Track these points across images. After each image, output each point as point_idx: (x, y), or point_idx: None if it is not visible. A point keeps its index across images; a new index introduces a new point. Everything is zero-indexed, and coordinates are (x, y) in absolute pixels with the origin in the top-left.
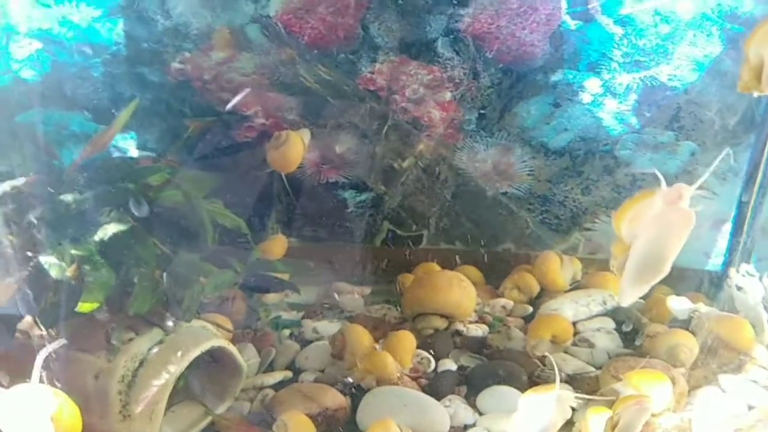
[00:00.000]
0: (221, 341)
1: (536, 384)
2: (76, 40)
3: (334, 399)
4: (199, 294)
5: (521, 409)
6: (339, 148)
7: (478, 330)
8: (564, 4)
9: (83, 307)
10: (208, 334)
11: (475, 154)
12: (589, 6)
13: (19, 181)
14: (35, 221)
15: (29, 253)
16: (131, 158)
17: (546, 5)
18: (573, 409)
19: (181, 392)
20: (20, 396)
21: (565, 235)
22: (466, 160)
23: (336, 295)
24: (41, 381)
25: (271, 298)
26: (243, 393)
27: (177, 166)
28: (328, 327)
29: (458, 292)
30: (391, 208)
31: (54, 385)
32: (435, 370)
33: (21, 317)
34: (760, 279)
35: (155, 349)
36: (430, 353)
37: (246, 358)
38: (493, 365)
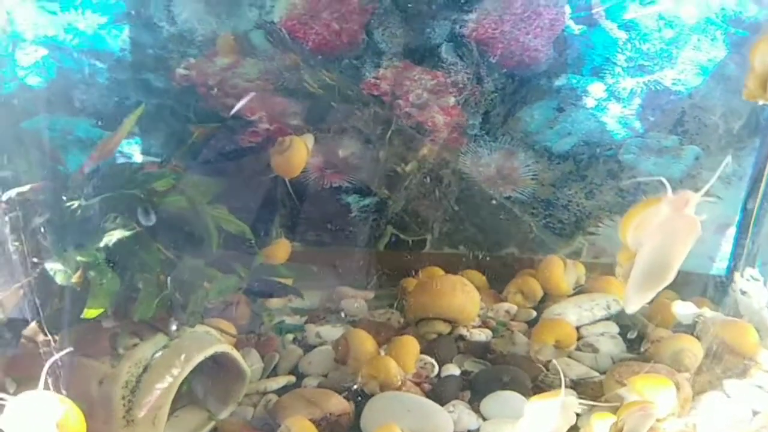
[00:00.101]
0: (225, 346)
1: (540, 389)
2: (82, 47)
3: (338, 404)
4: (204, 299)
5: (526, 416)
6: (343, 152)
7: (482, 335)
8: (568, 9)
9: (89, 313)
10: (211, 340)
11: (478, 159)
12: (593, 11)
13: (25, 188)
14: (41, 227)
15: (35, 260)
16: (136, 164)
17: (550, 10)
18: (577, 415)
19: (184, 397)
20: (27, 403)
21: (568, 240)
22: (469, 165)
23: (339, 300)
24: (47, 387)
25: (275, 302)
26: (246, 398)
27: (182, 172)
28: (331, 332)
29: (462, 296)
30: (394, 213)
31: (59, 391)
32: (438, 375)
33: (26, 323)
34: (765, 283)
35: (159, 355)
36: (434, 358)
37: (249, 363)
38: (496, 370)
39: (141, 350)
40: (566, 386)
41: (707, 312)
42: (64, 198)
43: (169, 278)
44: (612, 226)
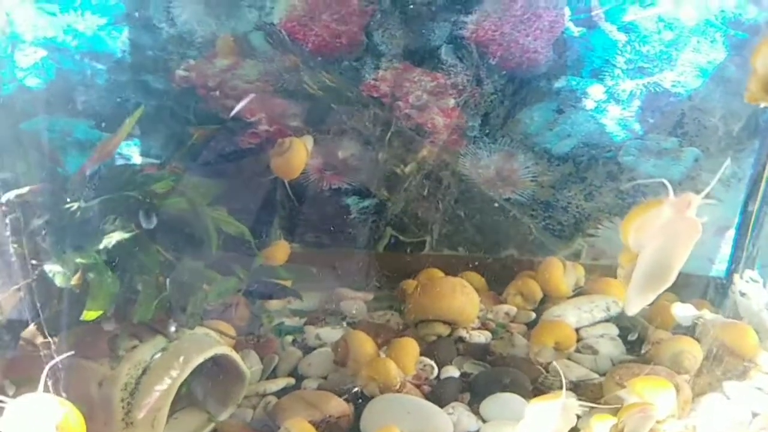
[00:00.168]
0: (224, 348)
1: (540, 391)
2: (81, 49)
3: (338, 406)
4: (203, 301)
5: (527, 417)
6: (342, 154)
7: (481, 336)
8: (567, 11)
9: (88, 315)
10: (211, 341)
11: (478, 161)
12: (593, 13)
13: (24, 190)
14: (40, 229)
15: (34, 262)
16: (136, 166)
17: (549, 12)
18: (577, 417)
19: (184, 399)
20: (26, 406)
21: (568, 241)
22: (469, 167)
23: (339, 302)
24: (46, 389)
25: (274, 304)
26: (246, 400)
27: (181, 173)
28: (330, 333)
29: (461, 298)
30: (394, 215)
31: (58, 393)
32: (438, 377)
33: (25, 325)
34: (764, 285)
35: (158, 357)
36: (434, 360)
37: (249, 364)
38: (496, 372)
39: (140, 352)
40: (566, 388)
41: (707, 314)
42: (64, 199)
43: (168, 280)
44: (611, 228)
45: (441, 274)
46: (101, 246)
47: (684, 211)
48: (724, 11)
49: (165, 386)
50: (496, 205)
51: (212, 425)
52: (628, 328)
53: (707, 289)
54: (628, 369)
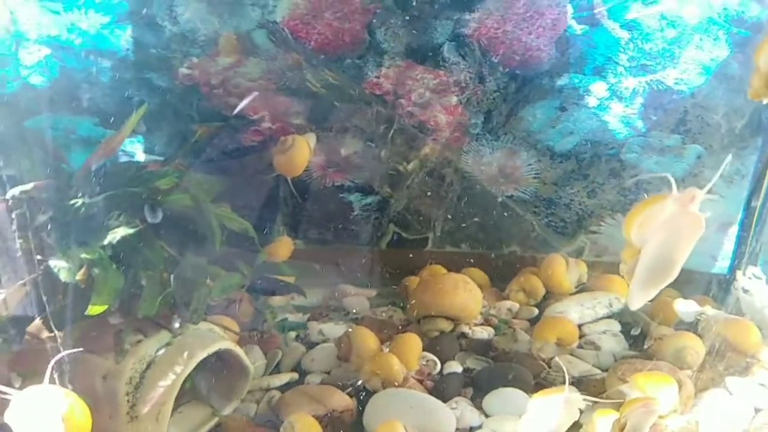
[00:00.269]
0: (228, 343)
1: (542, 386)
2: (85, 47)
3: (341, 401)
4: (207, 297)
5: (530, 411)
6: (345, 151)
7: (484, 332)
8: (570, 9)
9: (93, 309)
10: (215, 337)
11: (480, 158)
12: (596, 10)
13: (28, 186)
14: (45, 225)
15: (39, 257)
16: (140, 162)
17: (552, 10)
18: (580, 411)
19: (188, 393)
20: (32, 397)
21: (570, 238)
22: (471, 164)
23: (342, 298)
24: (52, 382)
25: (277, 300)
26: (249, 394)
27: (185, 170)
28: (334, 329)
29: (464, 294)
30: (396, 211)
31: (64, 386)
32: (441, 372)
33: (31, 320)
34: (767, 282)
35: (163, 351)
36: (436, 356)
37: (252, 360)
38: (499, 367)
39: (145, 347)
40: (568, 383)
41: (709, 310)
42: (68, 196)
43: (172, 276)
44: (614, 225)
45: (444, 270)
46: (106, 242)
47: (687, 206)
48: (727, 9)
49: (169, 381)
50: (499, 202)
51: (216, 419)
52: (631, 324)
53: (710, 285)
54: (631, 365)
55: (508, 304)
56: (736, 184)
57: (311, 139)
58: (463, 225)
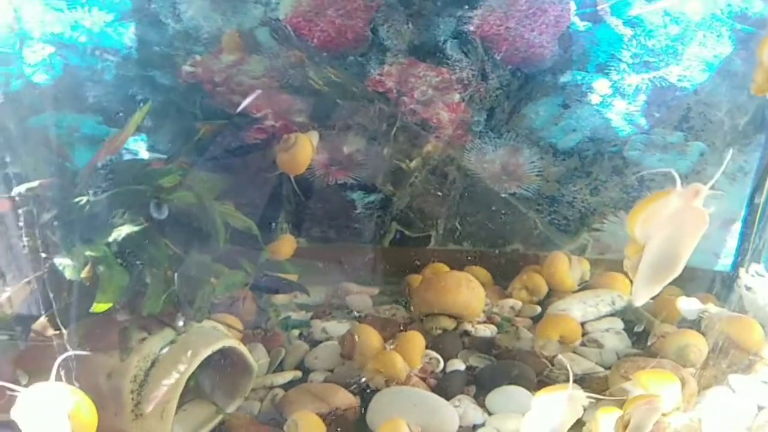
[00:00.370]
0: (232, 341)
1: (545, 384)
2: (89, 44)
3: (344, 399)
4: (211, 295)
5: (534, 409)
6: (348, 149)
7: (487, 330)
8: (573, 6)
9: (98, 307)
10: (218, 335)
11: (483, 155)
12: (598, 7)
13: (34, 184)
14: (50, 223)
15: (44, 255)
16: (143, 160)
17: (555, 7)
18: (583, 408)
19: (192, 391)
20: (39, 394)
21: (573, 236)
22: (474, 161)
23: (345, 296)
24: (58, 379)
25: (281, 298)
26: (253, 392)
27: (188, 168)
28: (337, 327)
29: (467, 292)
30: (399, 209)
31: (69, 383)
32: (444, 370)
33: (37, 317)
34: None
35: (167, 349)
36: (439, 353)
37: (256, 358)
38: (501, 365)
39: (149, 345)
40: (571, 381)
41: (712, 308)
42: (73, 194)
43: (176, 274)
44: (617, 223)
45: (446, 268)
46: (110, 239)
47: (692, 201)
48: (730, 5)
49: (173, 379)
50: (502, 199)
51: (220, 417)
52: (634, 321)
53: (713, 283)
54: (634, 362)
55: (510, 302)
56: (739, 181)
57: (314, 136)
58: (466, 223)
